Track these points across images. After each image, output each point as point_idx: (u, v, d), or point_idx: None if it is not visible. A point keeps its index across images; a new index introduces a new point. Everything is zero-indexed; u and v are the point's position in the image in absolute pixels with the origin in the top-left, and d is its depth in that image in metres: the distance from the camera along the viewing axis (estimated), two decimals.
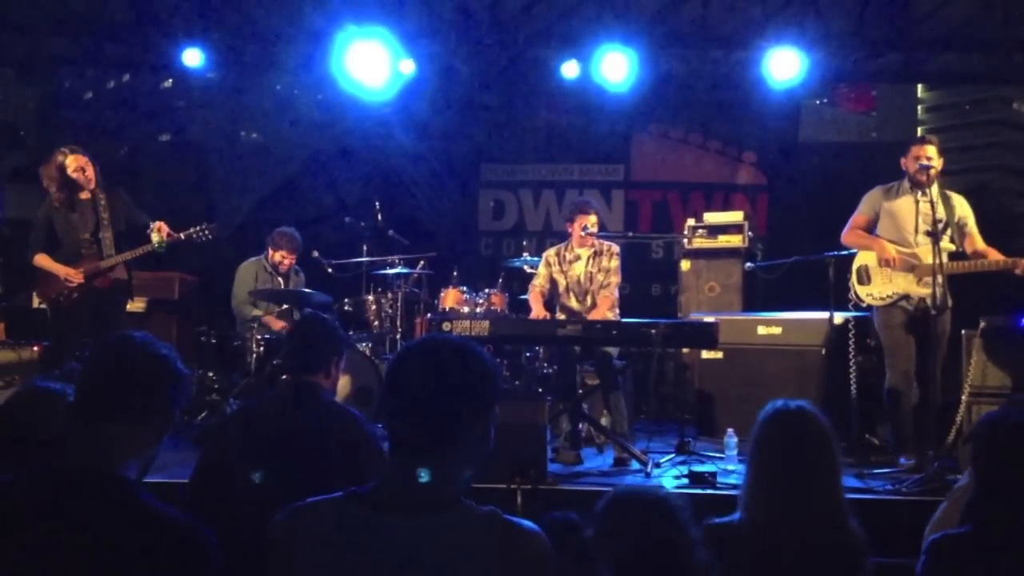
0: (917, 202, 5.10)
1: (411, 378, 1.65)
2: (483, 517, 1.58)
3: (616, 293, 5.86)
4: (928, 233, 4.97)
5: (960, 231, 5.15)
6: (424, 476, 1.59)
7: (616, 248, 5.92)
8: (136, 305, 6.73)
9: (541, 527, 1.64)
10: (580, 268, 5.87)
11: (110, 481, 1.66)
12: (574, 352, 5.55)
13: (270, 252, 6.62)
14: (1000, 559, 1.79)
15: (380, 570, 1.52)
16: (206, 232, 5.68)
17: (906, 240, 5.14)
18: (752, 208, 9.10)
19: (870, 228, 5.30)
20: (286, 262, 6.61)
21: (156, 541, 1.61)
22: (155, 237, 5.49)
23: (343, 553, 1.54)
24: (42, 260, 5.52)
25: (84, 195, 5.54)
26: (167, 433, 1.85)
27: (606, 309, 5.74)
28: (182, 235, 5.61)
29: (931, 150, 5.12)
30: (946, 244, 5.00)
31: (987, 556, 1.81)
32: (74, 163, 5.45)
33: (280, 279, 6.59)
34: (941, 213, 5.06)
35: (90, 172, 5.50)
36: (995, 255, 5.01)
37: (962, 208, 5.18)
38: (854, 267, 5.32)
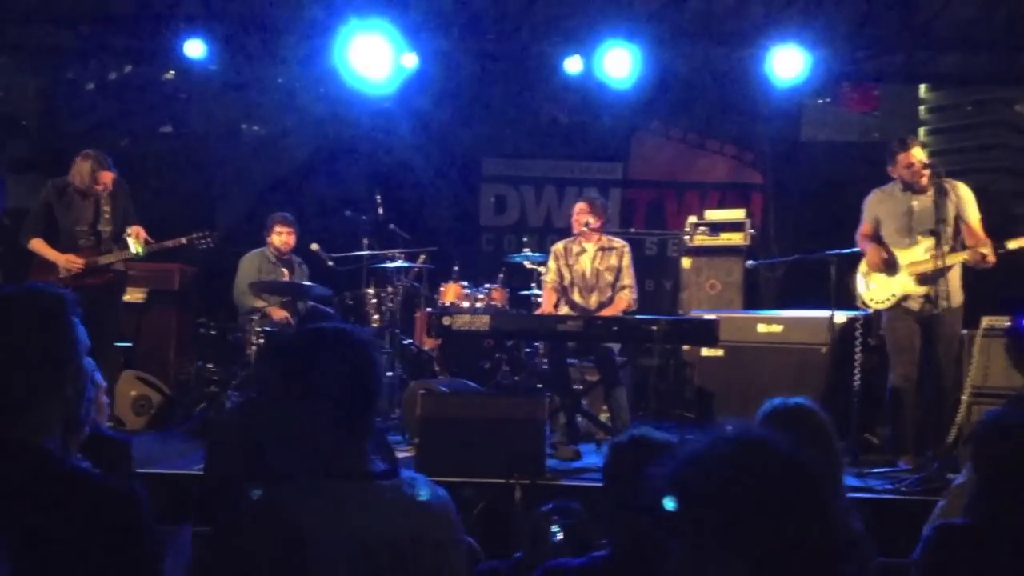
0: (910, 203, 5.12)
1: (349, 367, 1.77)
2: (415, 479, 1.81)
3: (633, 295, 5.77)
4: (930, 232, 4.91)
5: (958, 223, 5.04)
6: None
7: (626, 248, 5.85)
8: (136, 295, 6.73)
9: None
10: (587, 262, 5.82)
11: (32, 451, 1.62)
12: (565, 347, 5.53)
13: (269, 238, 6.70)
14: (1001, 553, 1.81)
15: (361, 525, 1.67)
16: (207, 239, 5.70)
17: (903, 242, 5.14)
18: (749, 207, 9.07)
19: (875, 234, 5.28)
20: (290, 240, 6.69)
21: (84, 502, 1.58)
22: (132, 243, 5.46)
23: (333, 519, 1.66)
24: (37, 245, 5.49)
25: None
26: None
27: (619, 310, 5.66)
28: (170, 243, 5.61)
29: (918, 152, 5.09)
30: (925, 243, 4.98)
31: (988, 549, 1.82)
32: (100, 178, 5.49)
33: (284, 269, 6.60)
34: (928, 208, 4.98)
35: (105, 184, 5.53)
36: (977, 246, 4.87)
37: (959, 199, 5.04)
38: (859, 273, 5.31)
